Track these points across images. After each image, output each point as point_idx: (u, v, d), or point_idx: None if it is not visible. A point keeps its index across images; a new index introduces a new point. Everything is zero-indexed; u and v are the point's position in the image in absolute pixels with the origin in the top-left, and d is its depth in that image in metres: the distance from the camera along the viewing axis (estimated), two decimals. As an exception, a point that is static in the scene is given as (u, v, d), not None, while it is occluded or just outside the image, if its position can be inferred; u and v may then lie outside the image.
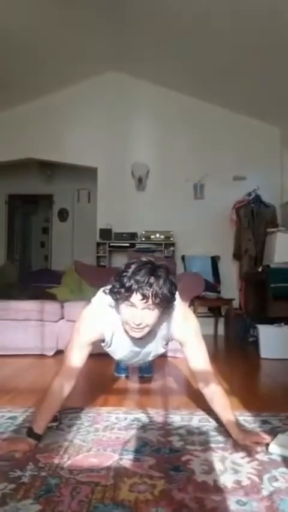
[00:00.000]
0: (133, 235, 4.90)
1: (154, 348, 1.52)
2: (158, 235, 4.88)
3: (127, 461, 1.18)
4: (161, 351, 1.58)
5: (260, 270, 4.05)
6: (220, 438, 1.37)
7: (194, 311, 4.09)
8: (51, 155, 5.23)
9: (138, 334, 1.29)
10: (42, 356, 3.18)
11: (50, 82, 4.92)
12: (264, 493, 1.00)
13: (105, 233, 4.93)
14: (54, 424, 1.45)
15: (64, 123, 5.15)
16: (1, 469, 1.12)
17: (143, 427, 1.48)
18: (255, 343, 3.39)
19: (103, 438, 1.37)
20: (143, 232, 4.90)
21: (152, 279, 1.21)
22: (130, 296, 1.22)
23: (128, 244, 4.85)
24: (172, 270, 4.06)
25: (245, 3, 3.28)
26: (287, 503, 0.95)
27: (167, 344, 1.56)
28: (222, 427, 1.43)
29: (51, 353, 3.20)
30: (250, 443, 1.30)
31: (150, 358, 1.62)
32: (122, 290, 1.22)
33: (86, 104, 5.12)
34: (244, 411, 1.68)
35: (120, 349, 1.51)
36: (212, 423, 1.52)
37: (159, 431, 1.44)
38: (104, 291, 1.37)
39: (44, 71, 4.61)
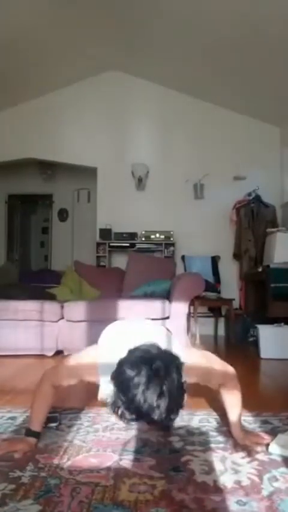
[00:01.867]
0: (133, 235, 4.89)
1: None
2: (158, 235, 4.88)
3: (127, 461, 1.18)
4: None
5: (260, 270, 4.05)
6: (220, 438, 1.37)
7: (194, 311, 4.09)
8: (51, 155, 5.23)
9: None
10: (41, 356, 3.17)
11: (49, 82, 4.92)
12: (265, 493, 1.00)
13: (105, 233, 4.92)
14: (54, 424, 1.45)
15: (64, 123, 5.15)
16: (1, 470, 1.12)
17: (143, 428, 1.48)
18: (255, 343, 3.39)
19: (103, 438, 1.37)
20: (143, 232, 4.90)
21: (160, 402, 1.02)
22: (137, 421, 1.10)
23: (128, 244, 4.85)
24: (169, 272, 4.05)
25: (245, 3, 3.28)
26: (287, 504, 0.95)
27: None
28: (222, 427, 1.43)
29: (51, 353, 3.19)
30: (250, 443, 1.30)
31: None
32: (127, 414, 1.07)
33: (86, 103, 5.12)
34: (244, 411, 1.67)
35: None
36: (212, 423, 1.52)
37: (159, 432, 1.43)
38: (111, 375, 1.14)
39: (44, 71, 4.61)
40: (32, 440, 1.28)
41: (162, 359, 1.07)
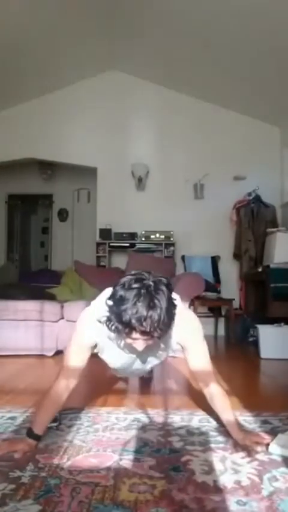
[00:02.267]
0: (133, 235, 4.89)
1: (154, 355, 1.49)
2: (158, 235, 4.88)
3: (127, 461, 1.18)
4: (163, 357, 1.54)
5: (260, 270, 4.05)
6: (220, 438, 1.37)
7: (194, 311, 4.09)
8: (51, 155, 5.23)
9: (140, 348, 1.22)
10: (42, 356, 3.17)
11: (49, 82, 4.92)
12: (265, 493, 1.00)
13: (105, 233, 4.92)
14: (54, 424, 1.45)
15: (64, 123, 5.15)
16: (1, 470, 1.12)
17: (143, 428, 1.48)
18: (255, 343, 3.40)
19: (103, 438, 1.37)
20: (143, 232, 4.90)
21: (151, 312, 1.09)
22: (130, 333, 1.15)
23: (128, 244, 4.84)
24: (169, 272, 4.05)
25: (245, 3, 3.28)
26: (287, 504, 0.95)
27: (168, 349, 1.49)
28: (222, 427, 1.43)
29: (51, 353, 3.19)
30: (250, 443, 1.29)
31: (149, 366, 1.57)
32: (120, 326, 1.14)
33: (86, 103, 5.12)
34: (244, 411, 1.68)
35: (117, 357, 1.45)
36: (212, 423, 1.52)
37: (159, 432, 1.43)
38: (106, 303, 1.23)
39: (44, 71, 4.61)
40: (33, 442, 1.27)
41: (153, 278, 1.15)
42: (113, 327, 1.17)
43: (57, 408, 1.35)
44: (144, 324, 1.10)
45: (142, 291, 1.11)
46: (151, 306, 1.09)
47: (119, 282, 1.17)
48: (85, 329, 1.35)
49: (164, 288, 1.14)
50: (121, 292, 1.13)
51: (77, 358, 1.35)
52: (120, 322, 1.13)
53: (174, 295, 1.24)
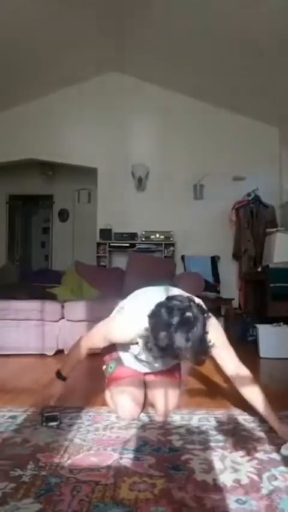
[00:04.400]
0: (133, 235, 4.90)
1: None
2: (158, 235, 4.88)
3: (127, 460, 1.19)
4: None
5: (259, 270, 4.06)
6: (220, 437, 1.38)
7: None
8: (51, 155, 5.23)
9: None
10: (42, 356, 3.18)
11: (50, 82, 4.92)
12: (264, 491, 1.00)
13: (105, 233, 4.93)
14: (55, 423, 1.46)
15: (64, 124, 5.15)
16: (2, 468, 1.12)
17: (143, 427, 1.49)
18: (255, 343, 3.40)
19: (103, 437, 1.38)
20: (143, 232, 4.90)
21: (188, 344, 1.19)
22: (164, 356, 1.25)
23: (128, 244, 4.85)
24: (169, 272, 4.06)
25: (245, 3, 3.28)
26: (286, 502, 0.95)
27: None
28: (223, 426, 1.44)
29: (52, 353, 3.20)
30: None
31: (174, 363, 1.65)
32: (156, 350, 1.23)
33: (87, 104, 5.12)
34: (244, 410, 1.68)
35: (134, 361, 1.59)
36: (212, 422, 1.53)
37: (159, 431, 1.44)
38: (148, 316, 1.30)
39: (44, 72, 4.62)
40: (60, 382, 1.58)
41: (195, 309, 1.24)
42: (149, 347, 1.26)
43: (79, 359, 1.59)
44: (179, 352, 1.20)
45: (182, 322, 1.20)
46: (188, 339, 1.18)
47: (164, 303, 1.26)
48: (115, 330, 1.50)
49: (201, 316, 1.23)
50: (164, 316, 1.22)
51: (97, 340, 1.57)
52: (156, 346, 1.22)
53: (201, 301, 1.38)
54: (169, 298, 1.29)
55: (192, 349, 1.19)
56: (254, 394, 1.43)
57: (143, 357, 1.52)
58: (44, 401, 1.61)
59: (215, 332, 1.42)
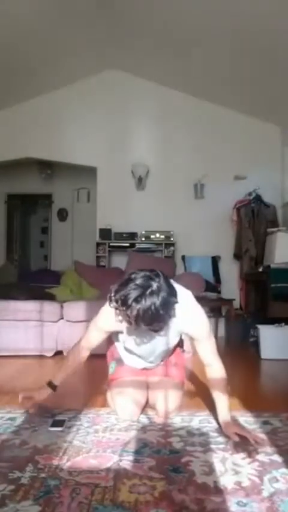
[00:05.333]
0: (133, 235, 4.89)
1: (165, 340, 1.58)
2: (158, 235, 4.87)
3: (127, 462, 1.18)
4: (174, 342, 1.64)
5: (260, 270, 4.05)
6: (220, 439, 1.37)
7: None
8: (50, 155, 5.22)
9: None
10: (41, 357, 3.17)
11: (49, 81, 4.91)
12: (265, 494, 1.00)
13: (105, 233, 4.92)
14: (59, 429, 1.44)
15: (64, 123, 5.14)
16: (0, 471, 1.11)
17: (143, 428, 1.48)
18: (256, 344, 3.39)
19: (103, 439, 1.37)
20: (143, 232, 4.89)
21: (137, 305, 1.25)
22: (137, 326, 1.31)
23: (128, 244, 4.84)
24: (169, 272, 4.05)
25: (246, 3, 3.27)
26: (287, 504, 0.94)
27: (168, 338, 1.59)
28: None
29: (51, 354, 3.19)
30: (230, 433, 1.35)
31: (161, 351, 1.63)
32: (118, 305, 1.31)
33: (86, 103, 5.11)
34: (245, 412, 1.67)
35: (132, 343, 1.57)
36: (213, 424, 1.52)
37: (159, 433, 1.43)
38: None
39: (44, 71, 4.60)
40: (48, 391, 1.56)
41: (160, 284, 1.29)
42: (113, 302, 1.33)
43: (73, 367, 1.59)
44: (145, 319, 1.27)
45: (142, 284, 1.27)
46: (138, 300, 1.25)
47: (137, 272, 1.35)
48: (101, 314, 1.53)
49: (164, 294, 1.28)
50: (131, 277, 1.32)
51: (94, 335, 1.57)
52: (116, 301, 1.31)
53: (186, 293, 1.50)
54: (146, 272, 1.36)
55: (137, 312, 1.25)
56: (216, 388, 1.50)
57: (128, 344, 1.57)
58: (22, 404, 1.60)
59: (200, 323, 1.53)
